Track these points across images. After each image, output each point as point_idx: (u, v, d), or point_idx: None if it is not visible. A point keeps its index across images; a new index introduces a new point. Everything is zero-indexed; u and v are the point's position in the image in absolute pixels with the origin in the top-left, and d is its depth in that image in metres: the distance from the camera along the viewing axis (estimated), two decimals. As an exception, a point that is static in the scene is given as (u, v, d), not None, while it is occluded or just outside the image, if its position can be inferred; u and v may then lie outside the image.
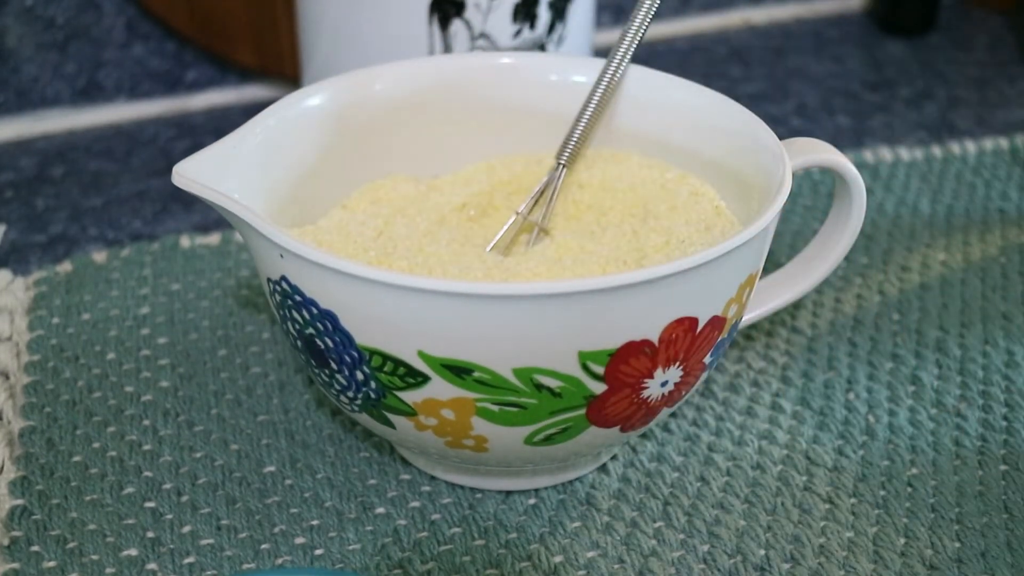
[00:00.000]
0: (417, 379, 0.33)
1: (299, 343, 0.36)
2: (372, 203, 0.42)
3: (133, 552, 0.37)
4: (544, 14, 0.54)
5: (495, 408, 0.34)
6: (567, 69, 0.44)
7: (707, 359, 0.36)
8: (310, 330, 0.35)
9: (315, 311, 0.34)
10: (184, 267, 0.50)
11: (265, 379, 0.44)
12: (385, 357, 0.33)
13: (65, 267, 0.50)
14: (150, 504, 0.39)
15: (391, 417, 0.35)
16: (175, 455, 0.41)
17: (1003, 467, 0.41)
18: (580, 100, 0.43)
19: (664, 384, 0.35)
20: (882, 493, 0.39)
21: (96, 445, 0.41)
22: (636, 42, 0.42)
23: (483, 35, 0.53)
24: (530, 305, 0.32)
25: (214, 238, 0.52)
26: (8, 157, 0.60)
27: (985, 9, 0.78)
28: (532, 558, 0.37)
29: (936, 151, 0.59)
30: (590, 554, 0.37)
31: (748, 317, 0.42)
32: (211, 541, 0.38)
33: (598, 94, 0.42)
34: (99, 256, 0.50)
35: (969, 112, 0.65)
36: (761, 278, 0.42)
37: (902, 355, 0.46)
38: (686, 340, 0.34)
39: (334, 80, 0.42)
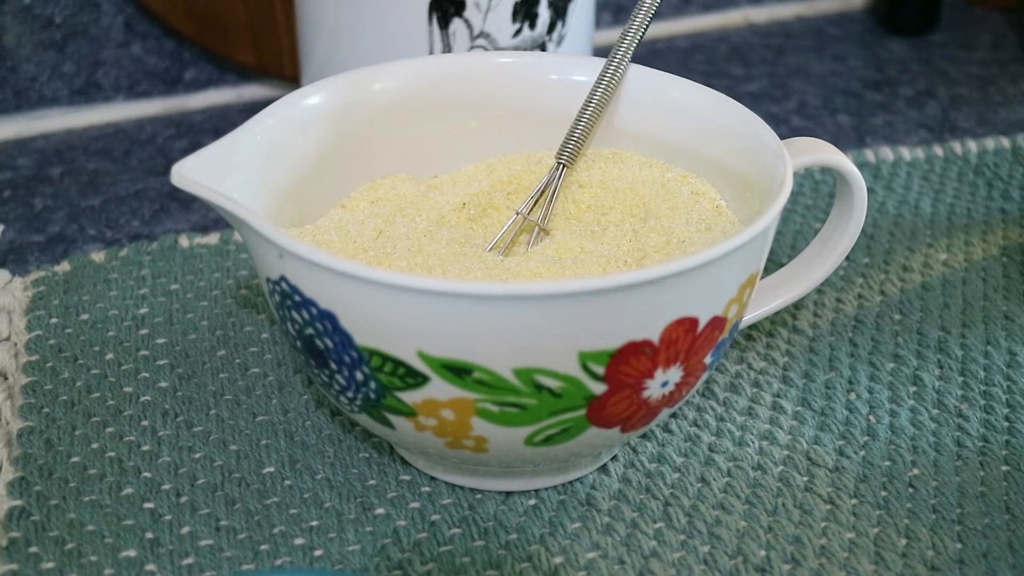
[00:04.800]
0: (417, 379, 0.33)
1: (298, 343, 0.36)
2: (372, 203, 0.42)
3: (132, 553, 0.37)
4: (544, 13, 0.54)
5: (495, 409, 0.34)
6: (567, 68, 0.44)
7: (708, 359, 0.36)
8: (309, 330, 0.34)
9: (315, 311, 0.34)
10: (183, 267, 0.50)
11: (264, 379, 0.44)
12: (385, 357, 0.33)
13: (63, 267, 0.50)
14: (149, 505, 0.39)
15: (391, 418, 0.35)
16: (174, 456, 0.41)
17: (1005, 468, 0.40)
18: (580, 99, 0.43)
19: (664, 384, 0.35)
20: (883, 494, 0.39)
21: (95, 446, 0.41)
22: (637, 41, 0.42)
23: (483, 34, 0.53)
24: (530, 305, 0.32)
25: (213, 238, 0.52)
26: (6, 157, 0.60)
27: (987, 8, 0.77)
28: (532, 559, 0.37)
29: (938, 150, 0.59)
30: (590, 555, 0.37)
31: (749, 317, 0.42)
32: (210, 542, 0.37)
33: (598, 93, 0.42)
34: (97, 256, 0.50)
35: (971, 111, 0.65)
36: (762, 278, 0.42)
37: (903, 355, 0.45)
38: (686, 340, 0.34)
39: (333, 80, 0.42)
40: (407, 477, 0.40)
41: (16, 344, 0.46)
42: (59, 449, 0.41)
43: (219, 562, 0.37)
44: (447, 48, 0.53)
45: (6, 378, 0.44)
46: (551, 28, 0.54)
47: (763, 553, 0.37)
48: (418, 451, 0.38)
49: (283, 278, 0.34)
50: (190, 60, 0.65)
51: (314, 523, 0.38)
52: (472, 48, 0.53)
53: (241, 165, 0.38)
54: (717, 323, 0.35)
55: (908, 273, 0.50)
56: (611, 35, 0.71)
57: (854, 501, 0.39)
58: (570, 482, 0.40)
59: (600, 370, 0.33)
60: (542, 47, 0.55)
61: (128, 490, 0.39)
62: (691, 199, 0.41)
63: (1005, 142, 0.60)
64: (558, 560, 0.37)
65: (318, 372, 0.36)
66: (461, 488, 0.39)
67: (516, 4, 0.53)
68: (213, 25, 0.62)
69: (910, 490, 0.40)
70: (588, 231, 0.41)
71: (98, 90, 0.64)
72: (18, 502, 0.39)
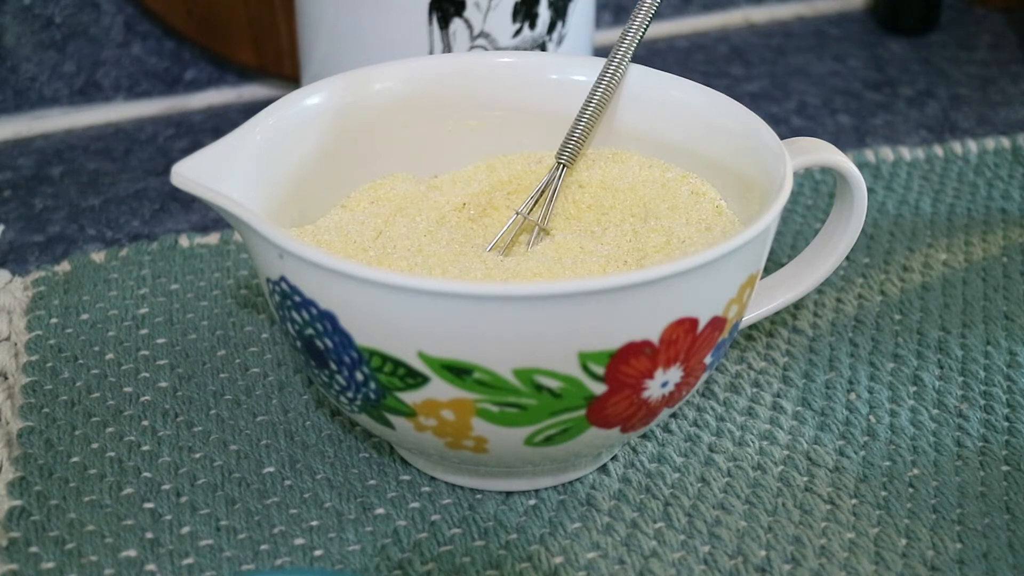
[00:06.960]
0: (417, 380, 0.33)
1: (298, 343, 0.36)
2: (372, 203, 0.42)
3: (132, 553, 0.37)
4: (544, 13, 0.54)
5: (495, 409, 0.34)
6: (567, 68, 0.44)
7: (708, 359, 0.36)
8: (309, 331, 0.34)
9: (314, 311, 0.34)
10: (183, 267, 0.50)
11: (264, 379, 0.44)
12: (385, 358, 0.33)
13: (63, 267, 0.50)
14: (149, 505, 0.39)
15: (391, 418, 0.35)
16: (174, 456, 0.41)
17: (1005, 468, 0.40)
18: (580, 99, 0.43)
19: (664, 385, 0.35)
20: (883, 494, 0.39)
21: (95, 446, 0.41)
22: (637, 41, 0.42)
23: (483, 34, 0.53)
24: (530, 305, 0.32)
25: (213, 238, 0.52)
26: (6, 157, 0.60)
27: (987, 8, 0.77)
28: (532, 559, 0.37)
29: (938, 150, 0.59)
30: (590, 555, 0.37)
31: (749, 317, 0.42)
32: (210, 542, 0.37)
33: (598, 93, 0.42)
34: (97, 256, 0.50)
35: (971, 111, 0.65)
36: (762, 278, 0.42)
37: (903, 355, 0.45)
38: (686, 340, 0.34)
39: (333, 80, 0.42)
40: (407, 477, 0.40)
41: (16, 344, 0.46)
42: (59, 449, 0.41)
43: (219, 562, 0.37)
44: (447, 48, 0.53)
45: (6, 378, 0.44)
46: (551, 28, 0.54)
47: (763, 553, 0.37)
48: (418, 451, 0.38)
49: (283, 278, 0.34)
50: (190, 60, 0.65)
51: (314, 523, 0.38)
52: (472, 48, 0.53)
53: (241, 165, 0.38)
54: (717, 323, 0.35)
55: (908, 273, 0.50)
56: (611, 35, 0.71)
57: (854, 501, 0.39)
58: (570, 482, 0.40)
59: (600, 370, 0.33)
60: (542, 47, 0.55)
61: (128, 490, 0.39)
62: (691, 199, 0.41)
63: (1005, 142, 0.60)
64: (558, 560, 0.37)
65: (318, 372, 0.36)
66: (461, 488, 0.39)
67: (516, 4, 0.53)
68: (213, 25, 0.62)
69: (910, 490, 0.40)
70: (588, 231, 0.41)
71: (98, 90, 0.64)
72: (18, 502, 0.39)
